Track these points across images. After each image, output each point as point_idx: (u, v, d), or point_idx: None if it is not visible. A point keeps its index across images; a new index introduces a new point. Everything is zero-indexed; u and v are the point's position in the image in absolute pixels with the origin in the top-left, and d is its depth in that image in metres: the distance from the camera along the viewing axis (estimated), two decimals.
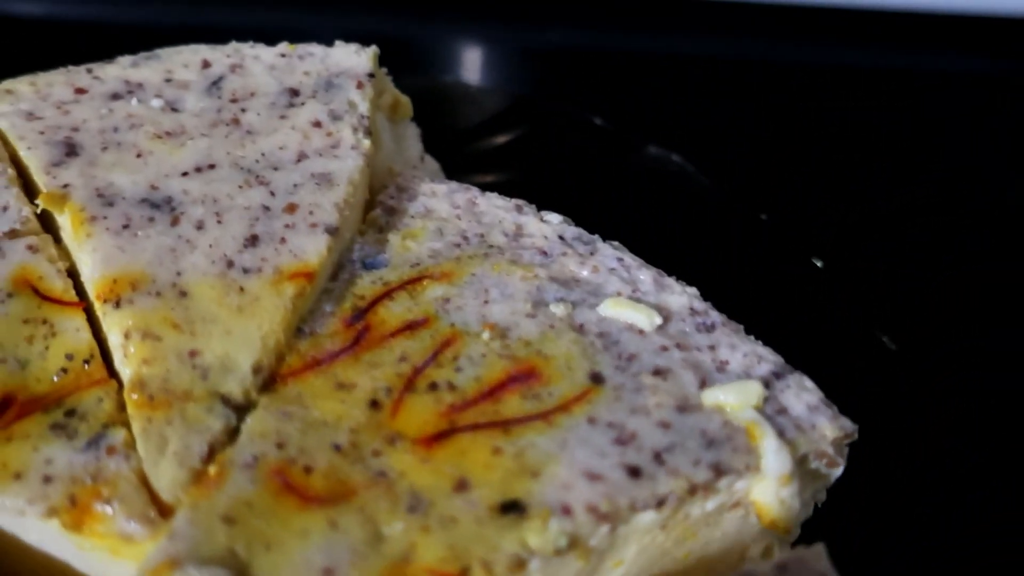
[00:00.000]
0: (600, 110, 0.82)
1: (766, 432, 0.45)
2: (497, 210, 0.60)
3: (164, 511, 0.41)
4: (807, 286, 0.72)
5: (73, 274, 0.52)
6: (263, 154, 0.57)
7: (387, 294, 0.53)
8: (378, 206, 0.59)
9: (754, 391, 0.47)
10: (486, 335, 0.51)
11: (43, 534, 0.42)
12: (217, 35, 0.67)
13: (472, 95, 0.97)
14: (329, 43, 0.65)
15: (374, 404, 0.47)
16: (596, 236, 0.58)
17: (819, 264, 0.74)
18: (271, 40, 0.66)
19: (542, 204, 0.61)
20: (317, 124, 0.59)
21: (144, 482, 0.42)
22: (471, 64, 1.14)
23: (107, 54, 0.64)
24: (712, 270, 0.63)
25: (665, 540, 0.45)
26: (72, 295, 0.51)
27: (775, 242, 0.76)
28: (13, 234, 0.53)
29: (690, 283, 0.55)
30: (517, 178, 0.79)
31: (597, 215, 0.62)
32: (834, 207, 0.79)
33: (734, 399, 0.46)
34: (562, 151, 0.81)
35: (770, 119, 0.91)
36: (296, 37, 0.66)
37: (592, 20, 1.07)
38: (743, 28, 1.04)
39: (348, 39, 0.66)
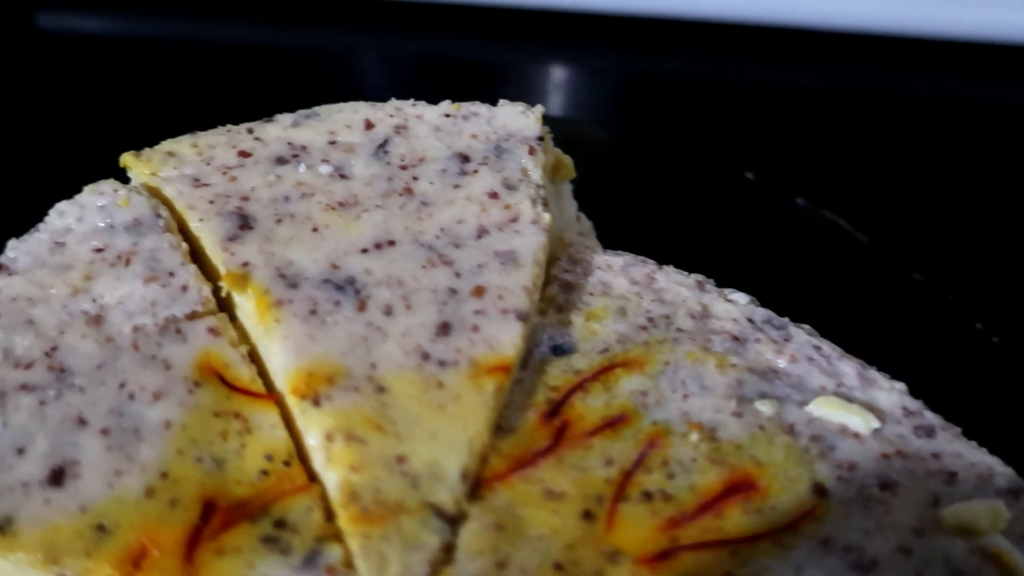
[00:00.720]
0: (746, 159, 0.78)
1: (1021, 564, 0.42)
2: (678, 288, 0.57)
3: None
4: (975, 354, 0.69)
5: (254, 358, 0.50)
6: (442, 229, 0.55)
7: (580, 385, 0.51)
8: (554, 281, 0.56)
9: (1001, 513, 0.44)
10: (694, 436, 0.48)
11: None
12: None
13: (586, 135, 0.93)
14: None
15: (587, 515, 0.45)
16: (786, 319, 0.55)
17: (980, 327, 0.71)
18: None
19: (681, 263, 0.58)
20: (493, 195, 0.56)
21: None
22: (571, 94, 1.11)
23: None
24: (873, 336, 0.60)
25: None
26: (259, 385, 0.49)
27: (934, 305, 0.72)
28: (193, 316, 0.51)
29: (851, 349, 0.53)
30: (654, 235, 0.75)
31: (743, 275, 0.59)
32: (999, 265, 0.75)
33: (981, 521, 0.43)
34: (703, 205, 0.77)
35: (926, 163, 0.87)
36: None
37: (712, 50, 1.03)
38: (894, 61, 0.99)
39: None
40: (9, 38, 1.12)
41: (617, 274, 0.57)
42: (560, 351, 0.52)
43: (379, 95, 0.64)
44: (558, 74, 1.15)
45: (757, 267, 0.70)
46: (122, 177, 0.59)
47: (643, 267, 0.58)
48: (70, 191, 0.69)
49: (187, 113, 1.01)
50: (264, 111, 0.63)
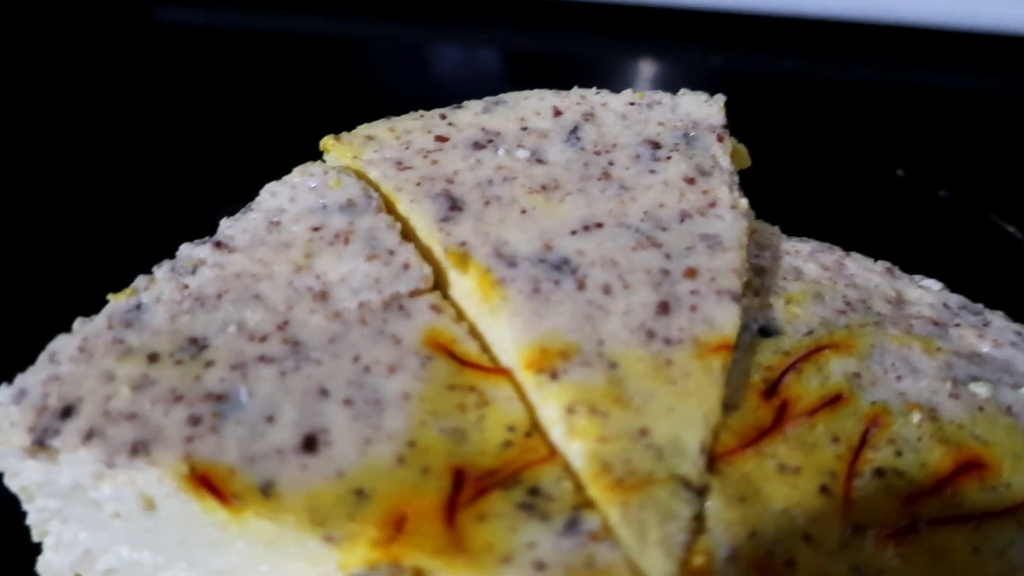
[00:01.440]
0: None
1: None
2: (868, 273, 0.58)
3: None
4: None
5: (474, 335, 0.51)
6: (645, 213, 0.56)
7: (793, 366, 0.52)
8: (748, 266, 0.57)
9: None
10: (915, 417, 0.49)
11: None
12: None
13: None
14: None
15: (824, 490, 0.45)
16: (980, 305, 0.56)
17: None
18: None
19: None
20: (690, 181, 0.58)
21: (636, 571, 0.41)
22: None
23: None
24: None
25: None
26: (487, 360, 0.50)
27: None
28: (415, 293, 0.52)
29: None
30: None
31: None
32: None
33: None
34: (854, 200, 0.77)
35: None
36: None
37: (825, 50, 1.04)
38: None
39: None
40: (130, 31, 1.15)
41: (807, 260, 0.58)
42: (767, 333, 0.53)
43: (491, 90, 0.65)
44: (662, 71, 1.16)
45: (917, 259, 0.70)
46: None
47: (831, 253, 0.59)
48: (192, 177, 0.70)
49: (306, 104, 1.04)
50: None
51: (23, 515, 0.53)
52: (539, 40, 1.15)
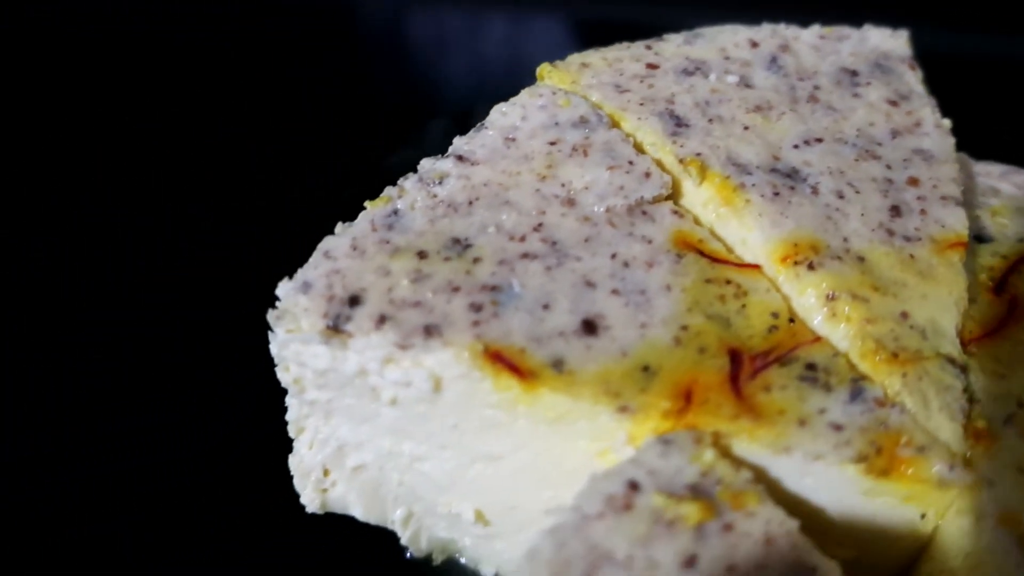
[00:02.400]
0: None
1: None
2: None
3: (960, 462, 0.43)
4: None
5: (716, 238, 0.55)
6: (858, 130, 0.59)
7: (1014, 267, 0.55)
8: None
9: None
10: None
11: (821, 479, 0.44)
12: None
13: None
14: None
15: None
16: None
17: None
18: None
19: None
20: (893, 103, 0.61)
21: (926, 433, 0.44)
22: None
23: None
24: None
25: None
26: (735, 257, 0.53)
27: None
28: (657, 199, 0.55)
29: None
30: None
31: None
32: None
33: None
34: None
35: None
36: None
37: None
38: None
39: None
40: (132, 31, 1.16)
41: (999, 180, 0.62)
42: (982, 240, 0.57)
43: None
44: None
45: None
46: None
47: (1019, 174, 0.63)
48: None
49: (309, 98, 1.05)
50: None
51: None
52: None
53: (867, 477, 0.43)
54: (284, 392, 0.56)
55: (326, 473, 0.57)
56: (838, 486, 0.44)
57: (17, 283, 0.78)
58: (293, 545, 0.61)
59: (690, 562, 0.40)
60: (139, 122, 0.98)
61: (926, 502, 0.43)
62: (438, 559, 0.61)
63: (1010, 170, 0.63)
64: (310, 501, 0.58)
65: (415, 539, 0.60)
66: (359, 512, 0.59)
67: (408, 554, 0.60)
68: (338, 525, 0.60)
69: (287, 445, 0.58)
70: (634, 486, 0.43)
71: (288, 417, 0.56)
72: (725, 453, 0.45)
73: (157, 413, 0.68)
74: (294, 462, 0.58)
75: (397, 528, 0.59)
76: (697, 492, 0.42)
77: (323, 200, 0.81)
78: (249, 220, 0.86)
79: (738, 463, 0.44)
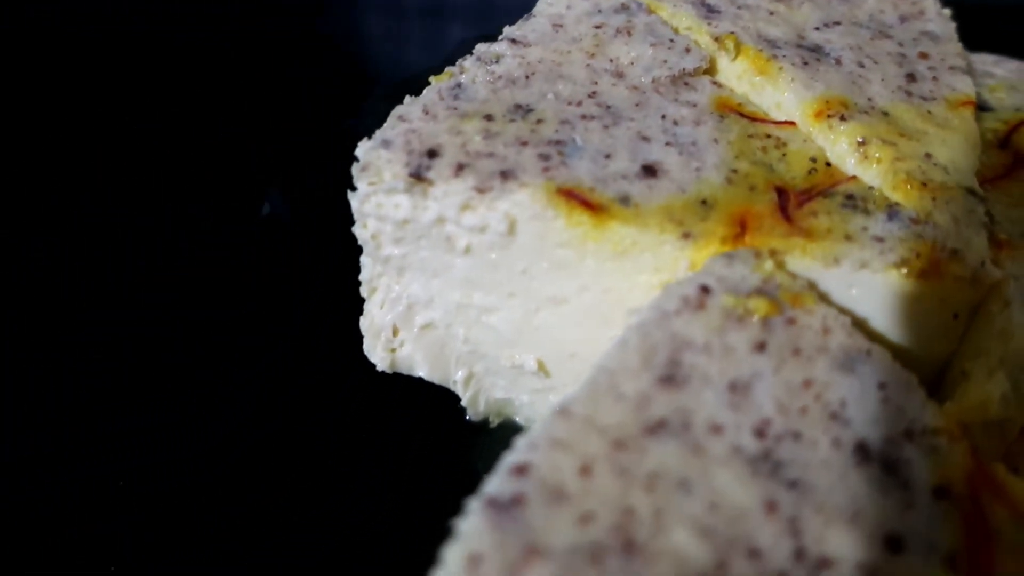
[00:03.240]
0: None
1: None
2: None
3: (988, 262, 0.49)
4: None
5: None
6: (870, 16, 0.65)
7: (1016, 128, 0.61)
8: None
9: None
10: None
11: (866, 288, 0.49)
12: None
13: None
14: None
15: None
16: None
17: None
18: None
19: None
20: None
21: (955, 243, 0.50)
22: None
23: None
24: None
25: None
26: (772, 116, 0.58)
27: None
28: (697, 71, 0.61)
29: None
30: None
31: None
32: None
33: None
34: None
35: None
36: None
37: None
38: None
39: None
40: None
41: (993, 66, 0.68)
42: (985, 108, 0.63)
43: None
44: None
45: None
46: None
47: (1011, 62, 0.69)
48: None
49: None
50: None
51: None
52: None
53: (909, 280, 0.49)
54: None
55: (395, 332, 0.61)
56: (882, 294, 0.49)
57: (17, 283, 0.78)
58: (294, 543, 0.61)
59: (761, 347, 0.45)
60: (139, 121, 0.97)
61: (959, 301, 0.49)
62: (494, 422, 0.65)
63: (1001, 59, 0.69)
64: (380, 360, 0.62)
65: (474, 401, 0.64)
66: (424, 371, 0.63)
67: (467, 417, 0.65)
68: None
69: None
70: (705, 289, 0.48)
71: (361, 277, 0.60)
72: (781, 268, 0.50)
73: (157, 413, 0.68)
74: (365, 323, 0.62)
75: (458, 389, 0.63)
76: (761, 293, 0.48)
77: (324, 200, 0.76)
78: (249, 220, 0.86)
79: (793, 276, 0.50)
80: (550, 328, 0.58)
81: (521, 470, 0.39)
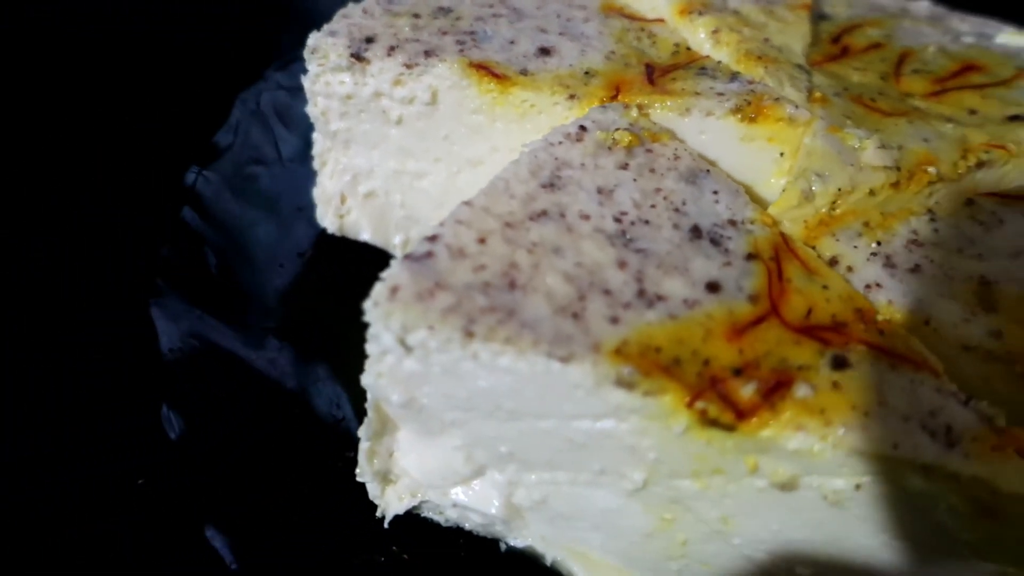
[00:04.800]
0: None
1: None
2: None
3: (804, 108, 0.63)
4: None
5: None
6: None
7: (846, 30, 0.76)
8: None
9: None
10: (931, 49, 0.73)
11: (713, 134, 0.63)
12: None
13: None
14: None
15: (884, 76, 0.69)
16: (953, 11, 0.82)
17: None
18: None
19: None
20: None
21: (780, 95, 0.63)
22: None
23: None
24: None
25: None
26: (648, 16, 0.72)
27: None
28: None
29: None
30: None
31: None
32: None
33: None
34: None
35: None
36: None
37: None
38: None
39: None
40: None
41: None
42: (824, 18, 0.77)
43: None
44: None
45: None
46: None
47: None
48: None
49: None
50: None
51: None
52: None
53: (743, 124, 0.62)
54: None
55: (343, 200, 0.74)
56: (725, 137, 0.63)
57: (17, 283, 0.79)
58: (292, 535, 0.61)
59: (624, 166, 0.58)
60: (139, 122, 0.95)
61: (783, 140, 0.62)
62: None
63: None
64: (331, 224, 0.74)
65: None
66: (368, 235, 0.75)
67: None
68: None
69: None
70: (583, 127, 0.60)
71: (314, 152, 0.72)
72: (645, 116, 0.63)
73: (157, 413, 0.66)
74: (318, 192, 0.74)
75: (397, 252, 0.76)
76: (628, 130, 0.61)
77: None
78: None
79: (654, 123, 0.63)
80: (471, 188, 0.69)
81: (432, 239, 0.52)
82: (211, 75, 0.99)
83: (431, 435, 0.56)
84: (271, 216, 0.79)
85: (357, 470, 0.57)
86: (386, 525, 0.59)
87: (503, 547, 0.61)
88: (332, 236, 0.76)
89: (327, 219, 0.74)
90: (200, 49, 1.05)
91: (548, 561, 0.60)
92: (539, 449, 0.53)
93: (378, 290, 0.49)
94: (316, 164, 0.73)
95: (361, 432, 0.56)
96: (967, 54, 0.73)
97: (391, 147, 0.70)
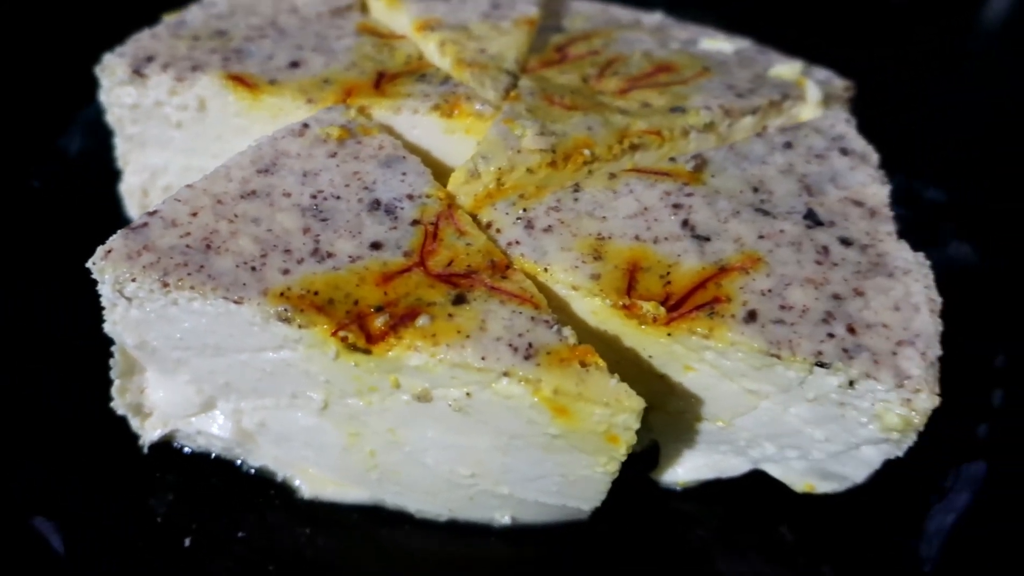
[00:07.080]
0: None
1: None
2: (616, 12, 0.97)
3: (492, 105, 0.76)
4: None
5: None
6: None
7: (573, 40, 0.90)
8: None
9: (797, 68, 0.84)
10: (637, 56, 0.87)
11: (423, 128, 0.76)
12: None
13: None
14: None
15: (585, 79, 0.83)
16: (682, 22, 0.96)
17: None
18: None
19: None
20: None
21: (478, 97, 0.77)
22: None
23: None
24: None
25: None
26: (397, 34, 0.86)
27: None
28: (350, 8, 0.88)
29: None
30: None
31: None
32: None
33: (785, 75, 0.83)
34: None
35: None
36: None
37: None
38: None
39: None
40: None
41: (580, 4, 0.97)
42: (559, 31, 0.91)
43: None
44: None
45: None
46: None
47: (595, 5, 0.98)
48: None
49: None
50: None
51: None
52: None
53: (443, 119, 0.76)
54: None
55: (145, 194, 0.87)
56: (432, 130, 0.77)
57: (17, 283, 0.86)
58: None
59: (333, 155, 0.72)
60: None
61: (477, 131, 0.76)
62: None
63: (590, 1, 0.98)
64: (136, 215, 0.88)
65: None
66: None
67: None
68: None
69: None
70: (306, 125, 0.74)
71: (116, 154, 0.86)
72: (365, 115, 0.77)
73: None
74: (123, 187, 0.88)
75: None
76: (342, 127, 0.74)
77: None
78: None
79: (370, 119, 0.77)
80: None
81: (151, 213, 0.66)
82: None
83: (167, 373, 0.69)
84: None
85: (111, 404, 0.71)
86: (144, 452, 0.73)
87: (245, 469, 0.74)
88: None
89: (132, 211, 0.88)
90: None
91: (279, 478, 0.74)
92: (245, 379, 0.66)
93: (97, 252, 0.63)
94: (120, 164, 0.87)
95: (112, 372, 0.69)
96: (667, 58, 0.87)
97: (178, 147, 0.84)
